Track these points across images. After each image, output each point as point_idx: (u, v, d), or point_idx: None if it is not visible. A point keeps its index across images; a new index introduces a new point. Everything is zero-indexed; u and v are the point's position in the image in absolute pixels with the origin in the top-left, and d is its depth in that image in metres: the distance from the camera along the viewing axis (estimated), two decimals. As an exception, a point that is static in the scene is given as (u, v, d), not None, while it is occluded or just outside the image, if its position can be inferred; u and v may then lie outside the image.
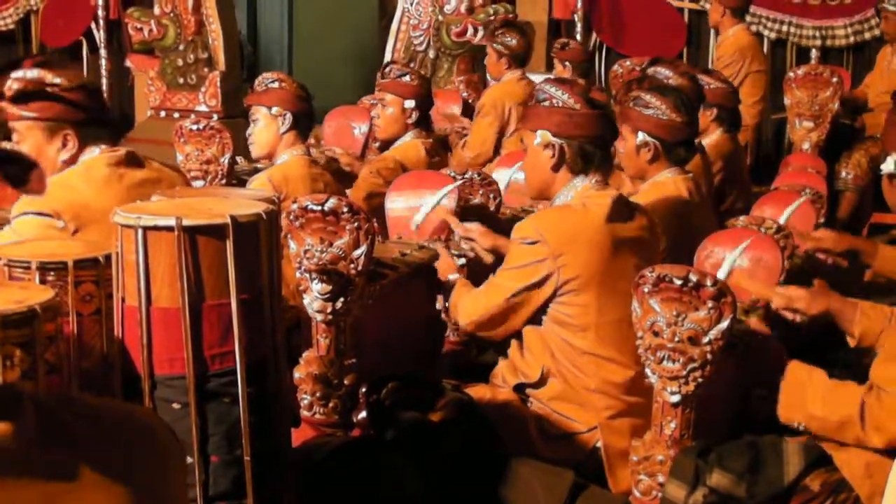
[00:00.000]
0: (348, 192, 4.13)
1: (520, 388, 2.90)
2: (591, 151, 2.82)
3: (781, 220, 3.12)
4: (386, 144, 4.73)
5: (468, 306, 2.95)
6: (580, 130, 2.80)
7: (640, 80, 3.66)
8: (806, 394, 2.47)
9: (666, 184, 3.54)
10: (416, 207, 3.71)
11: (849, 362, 2.90)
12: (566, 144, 2.80)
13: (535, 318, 2.86)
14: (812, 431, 2.47)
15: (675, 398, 2.52)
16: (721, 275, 3.14)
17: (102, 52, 8.84)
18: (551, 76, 6.43)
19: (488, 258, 3.25)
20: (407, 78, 4.53)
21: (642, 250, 2.89)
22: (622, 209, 2.85)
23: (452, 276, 3.14)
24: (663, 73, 4.19)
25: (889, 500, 1.29)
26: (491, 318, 2.88)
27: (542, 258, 2.76)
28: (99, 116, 2.76)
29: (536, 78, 6.22)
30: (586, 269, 2.75)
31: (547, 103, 2.81)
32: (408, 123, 4.51)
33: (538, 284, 2.78)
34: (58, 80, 2.61)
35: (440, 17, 7.34)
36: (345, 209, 2.82)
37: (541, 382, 2.85)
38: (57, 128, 2.70)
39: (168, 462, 1.00)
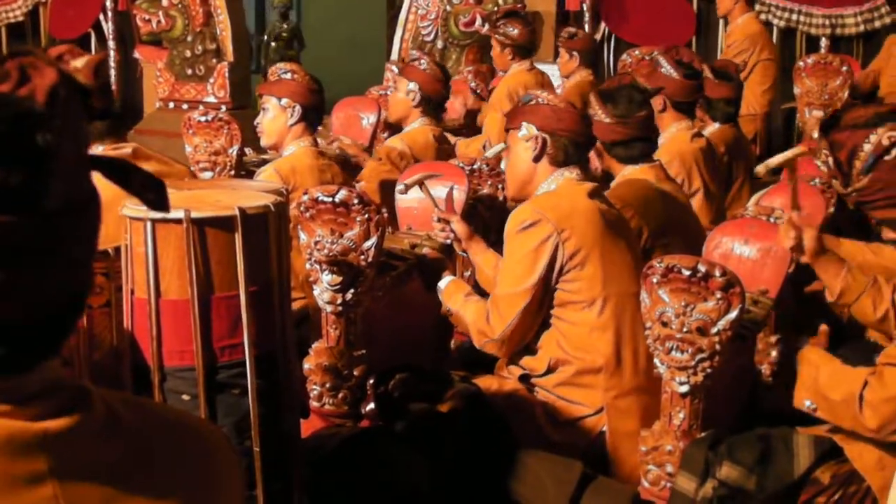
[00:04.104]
0: (357, 185, 4.13)
1: (524, 378, 2.90)
2: (571, 149, 2.88)
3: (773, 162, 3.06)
4: (395, 132, 4.75)
5: (481, 327, 2.86)
6: (564, 125, 2.86)
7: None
8: (818, 375, 2.46)
9: (634, 174, 3.58)
10: (428, 198, 3.70)
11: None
12: (549, 138, 2.86)
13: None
14: (820, 413, 2.46)
15: (684, 388, 2.52)
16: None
17: (111, 43, 8.85)
18: (557, 66, 6.43)
19: (461, 245, 3.23)
20: (418, 63, 4.59)
21: (626, 230, 2.98)
22: (602, 196, 2.95)
23: (445, 280, 3.11)
24: (662, 62, 4.23)
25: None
26: (512, 331, 2.81)
27: (546, 236, 2.76)
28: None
29: (545, 68, 6.22)
30: (587, 241, 2.78)
31: (532, 102, 2.91)
32: (412, 107, 4.55)
33: (550, 264, 2.77)
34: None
35: (448, 8, 7.34)
36: (355, 200, 2.82)
37: (547, 373, 2.84)
38: None
39: (226, 476, 0.99)
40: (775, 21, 7.73)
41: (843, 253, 3.32)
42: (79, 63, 2.44)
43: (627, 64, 6.25)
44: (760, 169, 3.00)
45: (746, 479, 2.39)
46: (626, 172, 3.56)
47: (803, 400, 2.48)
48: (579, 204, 2.82)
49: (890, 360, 2.30)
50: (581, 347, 2.80)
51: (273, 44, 10.45)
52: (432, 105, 4.62)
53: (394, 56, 7.40)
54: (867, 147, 2.31)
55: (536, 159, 2.88)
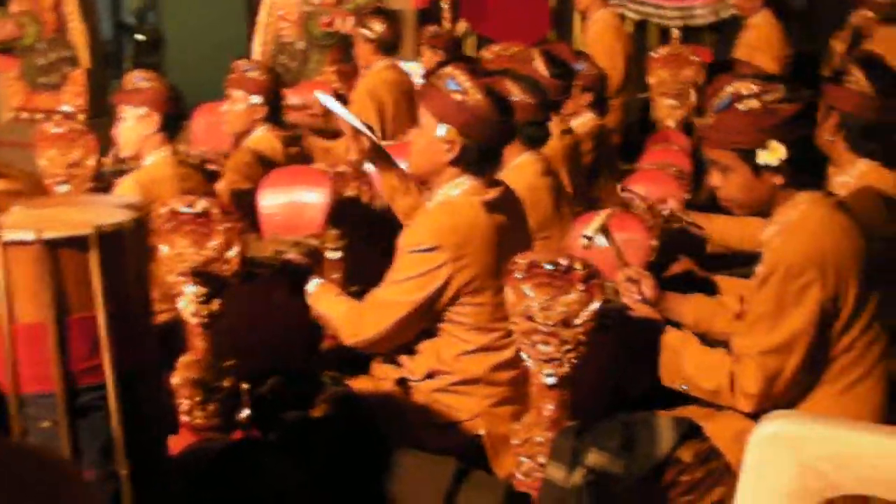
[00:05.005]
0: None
1: (402, 381, 2.91)
2: (490, 155, 2.82)
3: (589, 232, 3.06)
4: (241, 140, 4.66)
5: (354, 324, 2.85)
6: (486, 134, 2.76)
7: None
8: (682, 359, 2.56)
9: (522, 167, 3.64)
10: (291, 204, 3.69)
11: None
12: (469, 144, 2.75)
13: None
14: (693, 394, 2.56)
15: (552, 380, 2.57)
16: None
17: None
18: (419, 63, 6.47)
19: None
20: (254, 73, 4.46)
21: (523, 241, 2.93)
22: (504, 202, 2.85)
23: (313, 283, 3.05)
24: (535, 58, 4.31)
25: (747, 468, 1.35)
26: (385, 336, 2.80)
27: (440, 264, 2.71)
28: None
29: (406, 66, 6.24)
30: (484, 270, 2.74)
31: (459, 97, 2.75)
32: (255, 119, 4.45)
33: (439, 291, 2.73)
34: None
35: (307, 8, 7.29)
36: (216, 210, 2.80)
37: (425, 378, 2.85)
38: None
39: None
40: (630, 14, 7.96)
41: (715, 226, 3.45)
42: None
43: (487, 60, 6.32)
44: (583, 241, 3.03)
45: (613, 464, 2.46)
46: (518, 161, 3.62)
47: (674, 384, 2.58)
48: (479, 222, 2.74)
49: (747, 352, 2.42)
50: (462, 361, 2.81)
51: (132, 48, 10.22)
52: (275, 110, 4.54)
53: (255, 58, 7.31)
54: (728, 90, 2.43)
55: (453, 163, 2.78)
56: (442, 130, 2.75)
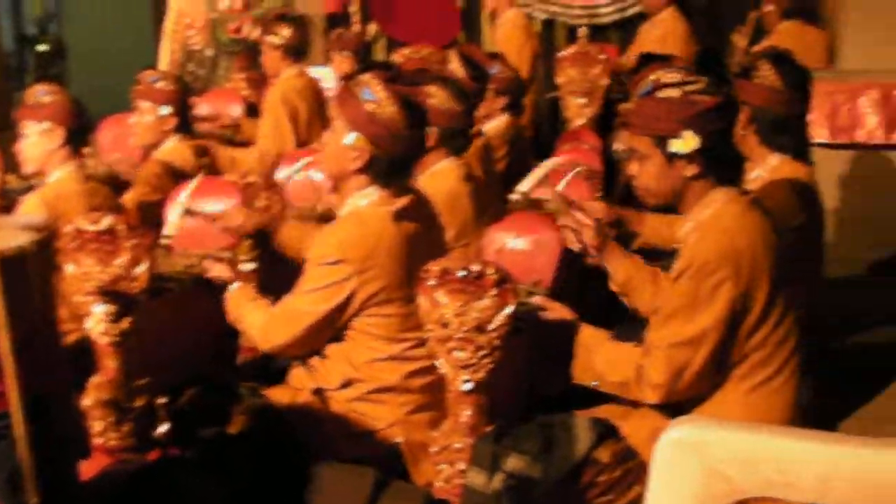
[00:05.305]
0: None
1: (318, 391, 2.90)
2: (399, 167, 2.81)
3: (523, 187, 3.13)
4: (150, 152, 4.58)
5: (266, 330, 2.87)
6: (396, 147, 2.76)
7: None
8: (594, 356, 2.59)
9: (442, 172, 3.65)
10: (203, 214, 3.64)
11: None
12: (378, 154, 2.75)
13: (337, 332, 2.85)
14: (603, 390, 2.59)
15: (468, 386, 2.58)
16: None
17: None
18: (330, 69, 6.44)
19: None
20: (161, 83, 4.39)
21: (435, 248, 2.92)
22: (415, 211, 2.85)
23: (233, 286, 3.05)
24: (452, 60, 4.31)
25: (655, 474, 1.37)
26: (294, 343, 2.83)
27: (345, 276, 2.72)
28: None
29: (316, 71, 6.21)
30: (391, 281, 2.75)
31: (372, 106, 2.73)
32: (165, 130, 4.38)
33: (345, 303, 2.75)
34: None
35: (214, 15, 7.21)
36: (122, 227, 2.75)
37: (341, 388, 2.84)
38: None
39: None
40: (537, 14, 8.04)
41: (647, 227, 3.48)
42: None
43: (398, 64, 6.32)
44: (516, 197, 3.04)
45: (532, 468, 2.47)
46: (439, 167, 3.63)
47: (585, 381, 2.61)
48: (386, 234, 2.74)
49: (658, 344, 2.44)
50: (374, 368, 2.81)
51: (35, 59, 10.01)
52: (184, 120, 4.46)
53: (162, 68, 7.21)
54: (651, 78, 2.47)
55: (360, 171, 2.77)
56: (351, 138, 2.75)
